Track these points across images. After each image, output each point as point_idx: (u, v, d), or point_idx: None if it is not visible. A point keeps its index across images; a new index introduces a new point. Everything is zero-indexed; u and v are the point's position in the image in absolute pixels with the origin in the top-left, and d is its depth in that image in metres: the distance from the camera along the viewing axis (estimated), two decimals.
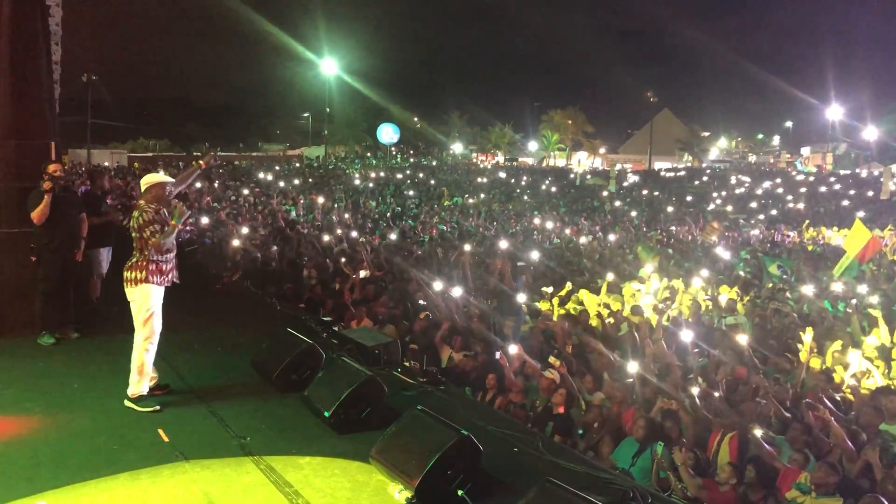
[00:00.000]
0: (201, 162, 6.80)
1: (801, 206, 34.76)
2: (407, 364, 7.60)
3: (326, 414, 5.65)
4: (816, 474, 5.64)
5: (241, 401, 6.31)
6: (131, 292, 6.09)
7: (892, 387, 8.19)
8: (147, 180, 6.27)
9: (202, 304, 9.77)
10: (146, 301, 6.02)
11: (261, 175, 35.16)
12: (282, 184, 31.57)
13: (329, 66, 53.13)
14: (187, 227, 16.34)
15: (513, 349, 8.67)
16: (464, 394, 7.62)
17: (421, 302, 11.18)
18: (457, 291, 11.59)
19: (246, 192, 26.97)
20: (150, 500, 4.56)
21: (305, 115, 66.05)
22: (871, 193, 40.47)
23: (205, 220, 17.25)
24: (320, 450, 5.32)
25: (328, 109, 56.67)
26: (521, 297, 10.91)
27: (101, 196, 8.92)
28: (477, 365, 8.94)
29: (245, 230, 16.03)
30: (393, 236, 18.57)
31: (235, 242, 13.96)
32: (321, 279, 12.45)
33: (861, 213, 30.84)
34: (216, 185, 32.65)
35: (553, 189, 40.91)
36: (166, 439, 5.45)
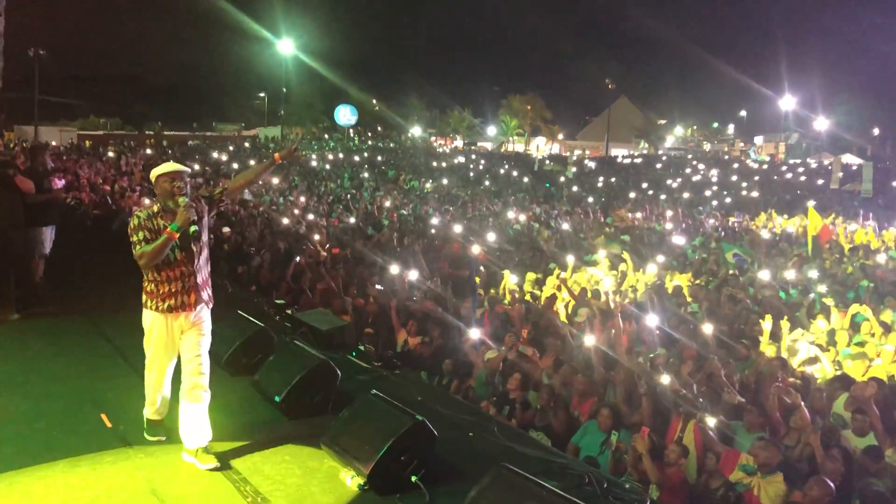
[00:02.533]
0: (276, 155, 5.12)
1: (754, 194, 35.36)
2: (362, 348, 7.45)
3: (277, 399, 5.50)
4: (759, 453, 5.66)
5: None
6: None
7: (839, 372, 8.34)
8: (153, 172, 4.78)
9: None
10: (144, 324, 4.80)
11: (214, 155, 34.49)
12: (236, 165, 30.99)
13: (286, 46, 52.28)
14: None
15: (475, 333, 8.60)
16: (419, 378, 7.51)
17: (378, 286, 11.05)
18: (413, 274, 11.51)
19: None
20: (89, 488, 4.35)
21: (261, 95, 64.98)
22: (821, 182, 41.38)
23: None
24: (270, 435, 5.16)
25: (285, 90, 55.86)
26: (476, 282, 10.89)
27: (42, 173, 8.57)
28: (433, 349, 8.86)
29: None
30: (351, 220, 18.39)
31: None
32: (274, 262, 12.22)
33: (812, 202, 31.59)
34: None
35: (514, 174, 40.93)
36: (109, 425, 5.24)
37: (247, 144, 45.90)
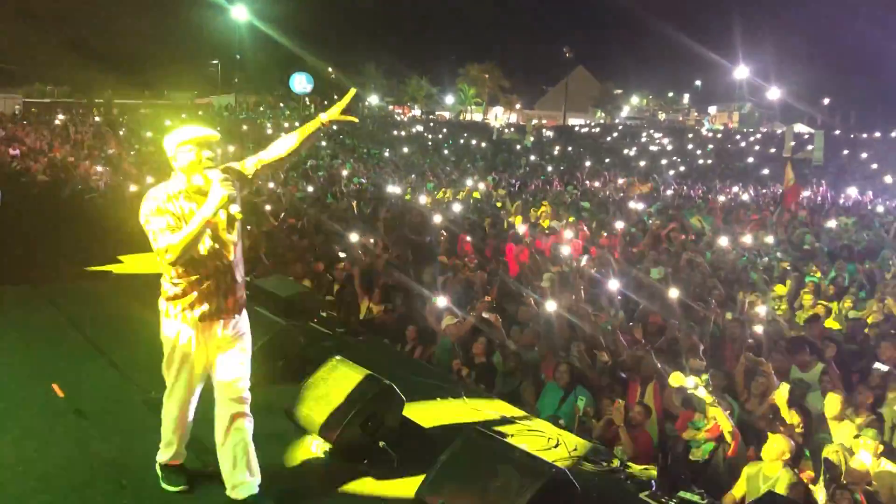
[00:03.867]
0: (321, 117, 3.97)
1: (710, 161, 35.83)
2: (324, 315, 7.32)
3: None
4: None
5: (146, 354, 5.88)
6: None
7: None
8: (171, 139, 3.68)
9: (104, 253, 9.20)
10: (164, 339, 3.87)
11: (167, 123, 33.66)
12: None
13: (240, 12, 51.08)
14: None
15: (441, 301, 8.53)
16: (384, 344, 7.41)
17: (340, 254, 10.90)
18: (372, 241, 11.37)
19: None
20: (41, 463, 4.18)
21: (215, 62, 63.57)
22: (773, 150, 42.05)
23: (100, 169, 16.51)
24: None
25: (238, 56, 54.74)
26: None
27: None
28: (396, 316, 8.77)
29: (150, 179, 15.47)
30: (309, 188, 18.14)
31: (133, 188, 13.35)
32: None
33: (766, 171, 32.12)
34: (121, 132, 31.19)
35: (473, 143, 40.79)
36: (61, 395, 5.04)
37: (200, 112, 44.93)
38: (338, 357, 4.82)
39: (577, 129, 60.48)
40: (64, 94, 56.27)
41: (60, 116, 32.62)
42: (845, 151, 39.27)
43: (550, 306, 8.54)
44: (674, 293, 8.79)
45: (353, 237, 11.59)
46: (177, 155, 3.63)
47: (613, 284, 9.67)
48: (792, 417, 5.91)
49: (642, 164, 33.80)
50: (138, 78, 55.10)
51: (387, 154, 31.77)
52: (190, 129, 3.68)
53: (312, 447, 4.38)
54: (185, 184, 3.62)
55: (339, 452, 4.27)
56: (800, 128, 53.25)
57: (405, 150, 33.69)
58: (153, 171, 17.35)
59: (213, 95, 59.37)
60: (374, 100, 62.68)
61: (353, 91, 4.16)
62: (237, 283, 3.84)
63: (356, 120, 4.23)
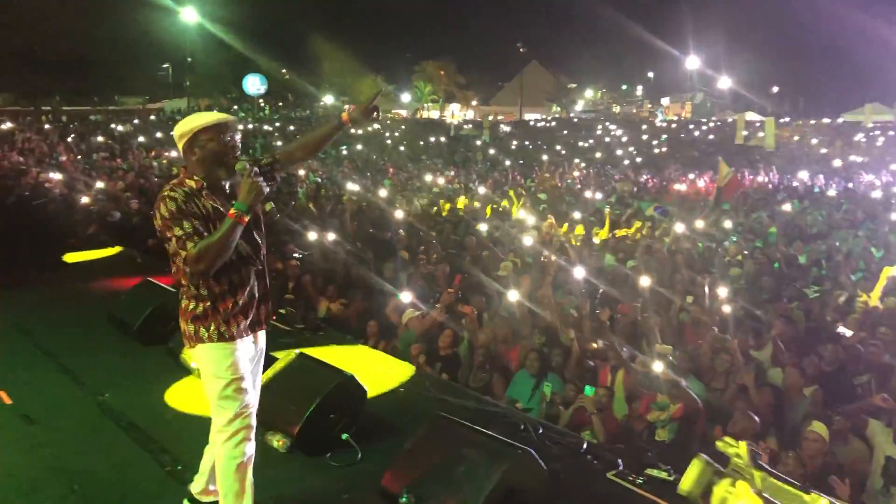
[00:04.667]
0: (344, 115, 3.56)
1: (664, 149, 36.30)
2: (283, 311, 7.18)
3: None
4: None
5: (97, 357, 5.74)
6: (190, 355, 3.58)
7: None
8: (185, 127, 3.21)
9: (52, 259, 8.94)
10: (214, 367, 3.23)
11: (119, 128, 33.02)
12: (142, 138, 29.73)
13: (189, 14, 50.20)
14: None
15: (406, 296, 8.45)
16: (345, 339, 7.30)
17: (296, 254, 10.76)
18: (331, 238, 11.24)
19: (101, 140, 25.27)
20: None
21: (165, 66, 62.38)
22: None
23: (57, 176, 16.09)
24: (188, 403, 4.88)
25: (189, 59, 53.78)
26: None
27: None
28: (357, 312, 8.67)
29: (100, 185, 15.19)
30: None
31: (85, 199, 13.05)
32: None
33: (719, 158, 32.57)
34: (69, 139, 30.45)
35: (430, 139, 40.73)
36: (8, 401, 4.85)
37: (152, 117, 44.11)
38: (297, 350, 4.71)
39: (533, 123, 60.75)
40: (9, 101, 54.79)
41: (7, 124, 31.75)
42: (796, 137, 40.04)
43: (513, 296, 8.52)
44: (645, 281, 8.82)
45: (311, 235, 11.46)
46: (194, 146, 3.17)
47: (578, 272, 9.68)
48: (761, 396, 5.96)
49: (598, 155, 34.07)
50: (87, 84, 53.87)
51: (344, 152, 31.54)
52: (205, 115, 3.23)
53: (273, 442, 4.26)
54: (206, 178, 3.18)
55: (300, 446, 4.16)
56: (751, 116, 54.18)
57: (360, 148, 33.49)
58: (105, 177, 17.03)
59: (166, 100, 58.36)
60: (328, 99, 62.21)
61: (380, 89, 3.80)
62: (268, 290, 3.46)
63: (378, 118, 3.64)
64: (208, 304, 3.18)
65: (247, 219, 3.07)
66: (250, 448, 3.33)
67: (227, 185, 3.26)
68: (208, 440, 3.50)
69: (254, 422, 3.37)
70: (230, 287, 3.22)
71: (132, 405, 4.61)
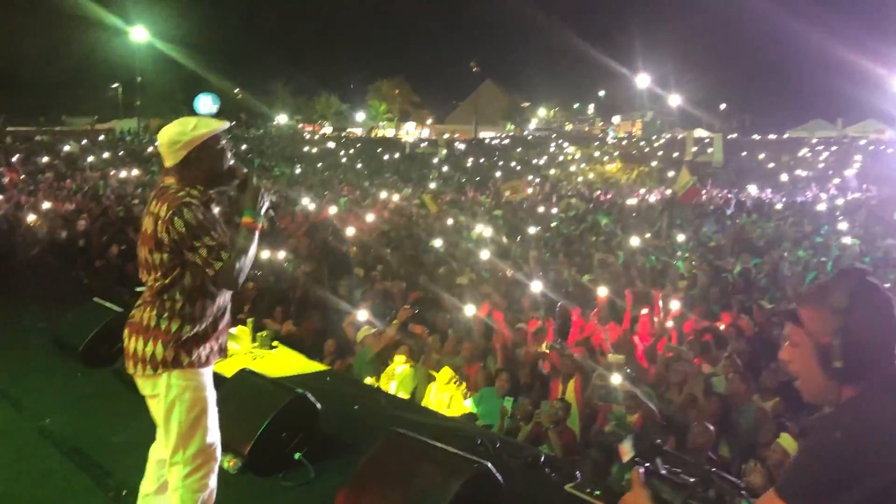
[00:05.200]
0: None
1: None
2: (235, 332, 7.01)
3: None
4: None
5: (40, 381, 5.52)
6: (148, 383, 3.05)
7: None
8: (181, 137, 2.95)
9: None
10: (192, 395, 3.01)
11: (66, 148, 32.27)
12: (90, 158, 29.12)
13: (139, 33, 49.53)
14: None
15: (362, 315, 8.36)
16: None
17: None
18: (280, 256, 11.10)
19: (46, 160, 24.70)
20: None
21: (115, 85, 61.34)
22: (676, 154, 43.59)
23: None
24: (136, 426, 4.70)
25: (139, 79, 52.93)
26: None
27: None
28: (311, 331, 8.55)
29: (47, 205, 14.80)
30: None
31: (31, 217, 12.69)
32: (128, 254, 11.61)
33: (671, 173, 33.22)
34: (14, 160, 29.65)
35: (385, 157, 40.73)
36: None
37: (101, 137, 43.24)
38: (246, 368, 4.60)
39: (487, 141, 61.19)
40: None
41: None
42: (744, 153, 40.99)
43: (470, 311, 8.51)
44: (602, 291, 8.88)
45: (262, 255, 11.30)
46: (201, 155, 2.96)
47: (536, 286, 9.71)
48: (709, 405, 6.01)
49: (552, 172, 34.44)
50: (33, 103, 52.69)
51: (298, 171, 31.34)
52: (205, 120, 3.03)
53: (224, 463, 4.13)
54: (205, 188, 3.00)
55: (252, 467, 4.04)
56: (699, 132, 55.37)
57: (318, 166, 33.34)
58: (50, 198, 16.60)
59: (115, 120, 57.35)
60: (282, 118, 61.82)
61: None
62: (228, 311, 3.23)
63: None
64: (202, 325, 2.99)
65: (260, 226, 2.98)
66: (213, 481, 3.15)
67: (227, 193, 3.13)
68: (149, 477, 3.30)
69: (219, 454, 3.19)
70: (218, 309, 3.07)
71: (75, 429, 4.44)
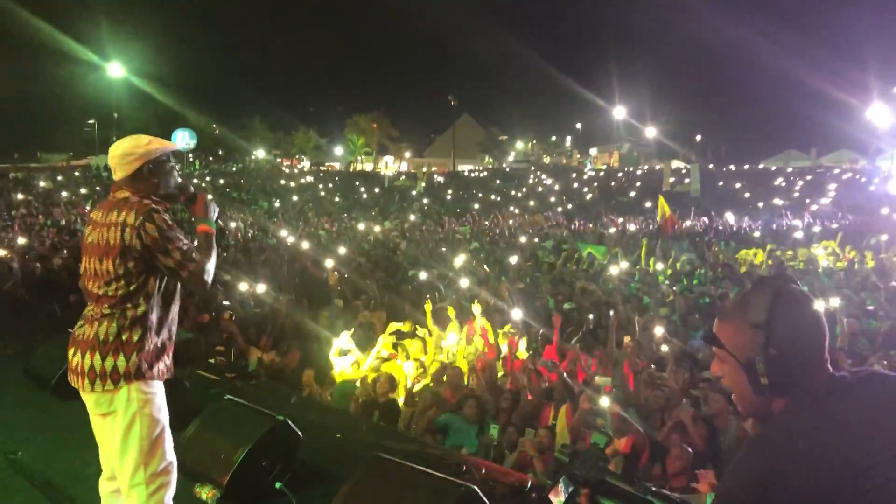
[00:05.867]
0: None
1: (591, 196, 37.17)
2: (212, 362, 6.89)
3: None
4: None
5: (11, 414, 5.36)
6: (104, 399, 2.96)
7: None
8: (128, 148, 3.00)
9: None
10: (151, 409, 2.99)
11: (41, 184, 32.02)
12: (65, 193, 28.88)
13: (115, 69, 49.50)
14: None
15: (344, 342, 8.26)
16: (277, 387, 7.05)
17: (225, 302, 10.45)
18: (261, 288, 11.00)
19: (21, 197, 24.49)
20: None
21: (91, 121, 61.20)
22: (652, 185, 44.07)
23: None
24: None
25: (116, 115, 52.87)
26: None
27: None
28: (292, 361, 8.42)
29: (22, 240, 14.65)
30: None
31: (1, 252, 12.61)
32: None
33: (648, 203, 33.51)
34: None
35: (363, 190, 40.77)
36: None
37: (77, 173, 42.95)
38: (227, 396, 4.48)
39: (466, 173, 61.52)
40: None
41: None
42: (720, 183, 41.48)
43: (453, 338, 8.44)
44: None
45: (241, 286, 11.22)
46: (155, 169, 3.02)
47: (516, 313, 9.66)
48: (698, 431, 5.95)
49: (532, 203, 34.61)
50: (7, 140, 52.33)
51: (277, 205, 31.26)
52: (156, 139, 3.09)
53: (202, 495, 4.00)
54: (160, 200, 3.03)
55: (231, 497, 3.91)
56: (676, 164, 56.08)
57: (294, 199, 33.28)
58: (23, 233, 16.41)
59: (91, 156, 57.08)
60: (260, 153, 61.83)
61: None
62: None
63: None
64: (160, 337, 3.02)
65: (213, 229, 3.10)
66: (170, 496, 3.08)
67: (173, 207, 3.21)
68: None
69: (175, 475, 3.14)
70: (173, 321, 3.11)
71: (48, 462, 4.29)
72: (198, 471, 4.06)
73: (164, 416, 3.05)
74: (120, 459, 2.97)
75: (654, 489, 2.16)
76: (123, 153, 2.99)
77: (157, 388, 3.02)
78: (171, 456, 3.08)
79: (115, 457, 2.99)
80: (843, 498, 1.50)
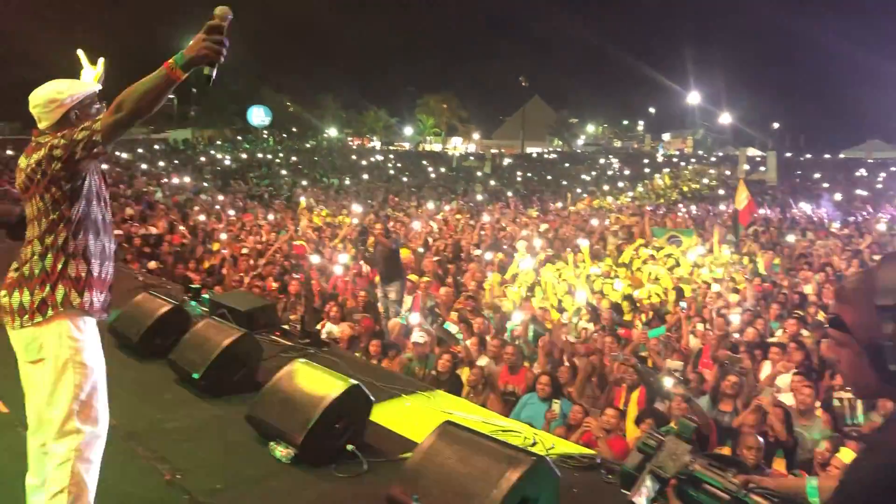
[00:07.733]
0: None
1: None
2: (286, 328, 7.04)
3: (196, 376, 5.05)
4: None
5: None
6: (35, 341, 2.84)
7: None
8: (51, 94, 2.89)
9: None
10: (78, 357, 2.84)
11: (124, 156, 33.13)
12: (144, 165, 29.84)
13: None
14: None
15: (414, 318, 8.38)
16: (348, 354, 7.17)
17: (295, 275, 10.74)
18: (343, 260, 11.28)
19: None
20: None
21: (171, 97, 62.87)
22: (728, 173, 42.88)
23: None
24: (190, 414, 4.75)
25: (194, 90, 54.13)
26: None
27: None
28: (361, 331, 8.58)
29: None
30: (270, 216, 18.05)
31: None
32: (186, 255, 11.96)
33: (721, 191, 32.68)
34: None
35: (430, 170, 40.91)
36: (6, 410, 4.71)
37: (156, 147, 44.28)
38: (301, 359, 4.58)
39: (535, 155, 61.01)
40: (16, 129, 55.10)
41: (9, 152, 31.93)
42: (798, 172, 40.15)
43: (518, 316, 8.44)
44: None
45: (315, 259, 11.49)
46: (81, 113, 2.89)
47: (581, 296, 9.62)
48: (775, 417, 5.85)
49: (606, 188, 34.19)
50: None
51: (347, 182, 31.67)
52: (73, 82, 3.01)
53: (276, 452, 4.12)
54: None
55: (304, 457, 4.01)
56: (752, 151, 54.45)
57: (364, 177, 33.64)
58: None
59: (170, 130, 58.70)
60: (332, 132, 62.54)
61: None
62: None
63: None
64: (88, 266, 2.86)
65: (182, 76, 2.61)
66: (99, 449, 2.97)
67: None
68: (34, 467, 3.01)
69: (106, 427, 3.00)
70: (103, 252, 2.94)
71: (131, 416, 4.47)
72: (273, 429, 4.18)
73: (97, 363, 2.91)
74: (48, 408, 2.84)
75: (749, 486, 2.09)
76: (48, 100, 2.86)
77: (90, 331, 2.90)
78: (104, 405, 2.96)
79: (44, 405, 2.86)
80: None
